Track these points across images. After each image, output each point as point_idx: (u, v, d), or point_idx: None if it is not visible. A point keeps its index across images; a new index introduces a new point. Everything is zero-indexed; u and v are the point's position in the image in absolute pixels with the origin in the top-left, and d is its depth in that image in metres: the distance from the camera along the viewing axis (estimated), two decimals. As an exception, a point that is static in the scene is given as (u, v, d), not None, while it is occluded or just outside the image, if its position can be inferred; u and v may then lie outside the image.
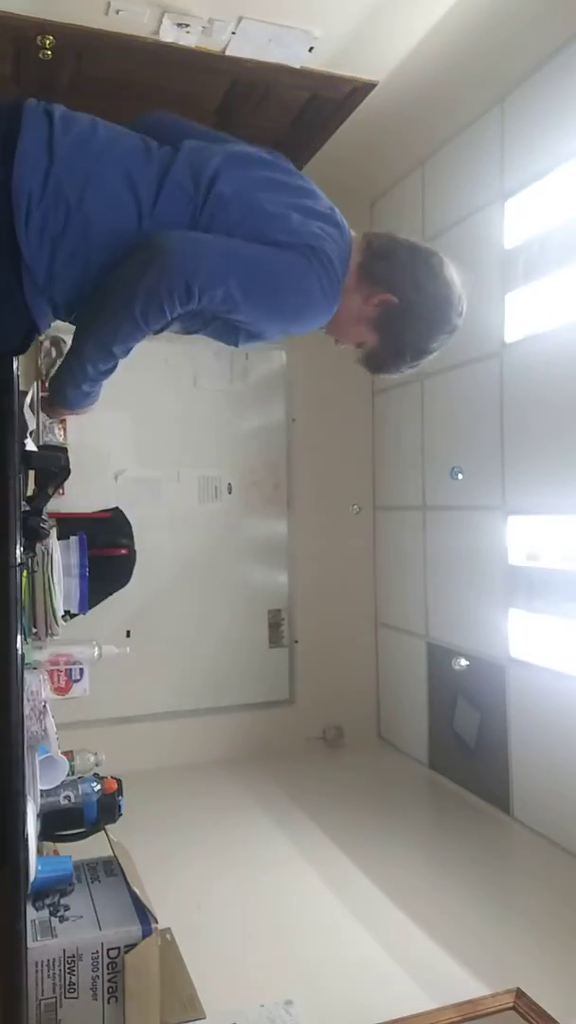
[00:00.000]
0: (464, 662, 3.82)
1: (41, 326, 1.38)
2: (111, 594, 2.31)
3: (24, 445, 1.77)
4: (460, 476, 3.88)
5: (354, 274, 1.40)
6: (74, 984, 1.54)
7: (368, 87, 3.53)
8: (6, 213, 1.24)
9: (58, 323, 1.47)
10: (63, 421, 1.52)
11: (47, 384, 1.48)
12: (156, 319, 1.28)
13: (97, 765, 2.07)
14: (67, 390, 1.41)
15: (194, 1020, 1.66)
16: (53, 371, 1.47)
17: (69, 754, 1.98)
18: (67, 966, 1.54)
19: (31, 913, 1.60)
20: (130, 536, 2.52)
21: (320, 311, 1.39)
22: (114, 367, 1.38)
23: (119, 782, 2.03)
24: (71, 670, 1.85)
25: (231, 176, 1.36)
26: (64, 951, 1.53)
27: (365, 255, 1.41)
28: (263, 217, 1.34)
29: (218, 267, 1.28)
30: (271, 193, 1.38)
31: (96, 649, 1.88)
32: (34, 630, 1.70)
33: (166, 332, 1.41)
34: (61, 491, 2.13)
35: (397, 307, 1.38)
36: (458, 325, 1.42)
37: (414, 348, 1.43)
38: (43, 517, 1.64)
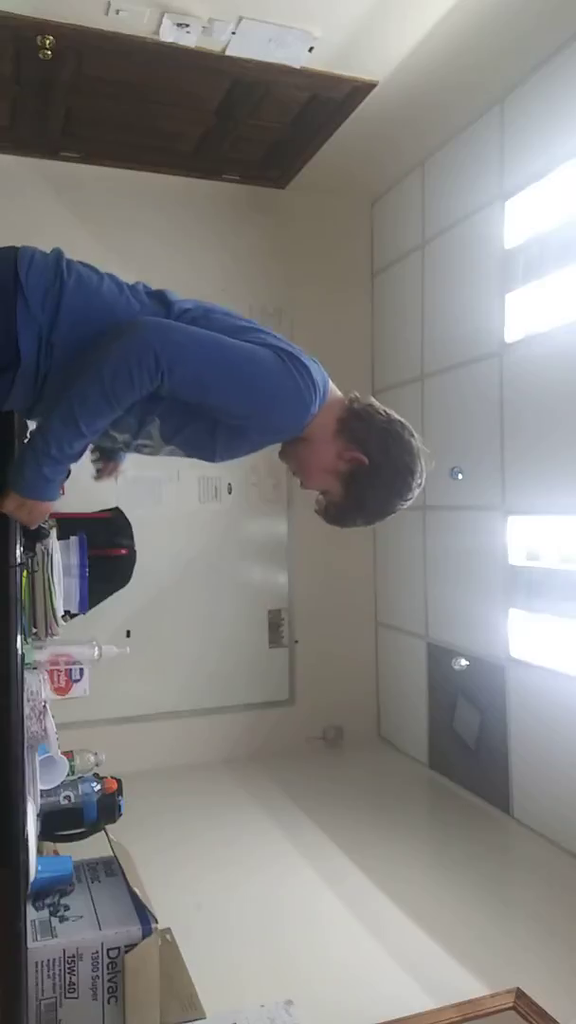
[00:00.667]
0: (464, 662, 3.82)
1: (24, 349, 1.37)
2: (111, 594, 2.31)
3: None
4: (460, 476, 3.87)
5: (333, 427, 1.47)
6: (74, 984, 1.54)
7: (368, 87, 3.53)
8: None
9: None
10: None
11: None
12: (124, 389, 1.28)
13: (97, 765, 2.06)
14: (25, 470, 1.32)
15: (194, 1020, 1.66)
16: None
17: (69, 754, 1.98)
18: (67, 966, 1.54)
19: (31, 913, 1.60)
20: (130, 536, 2.52)
21: (298, 402, 1.41)
22: (79, 452, 1.35)
23: (119, 782, 2.03)
24: (71, 670, 1.85)
25: (199, 304, 1.47)
26: (64, 951, 1.53)
27: (347, 412, 1.49)
28: (236, 325, 1.43)
29: (187, 344, 1.33)
30: (243, 320, 1.48)
31: (96, 649, 1.88)
32: (34, 630, 1.70)
33: (143, 439, 1.45)
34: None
35: (366, 468, 1.46)
36: (415, 495, 1.50)
37: (372, 508, 1.51)
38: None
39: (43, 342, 1.35)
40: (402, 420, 1.51)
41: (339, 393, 1.53)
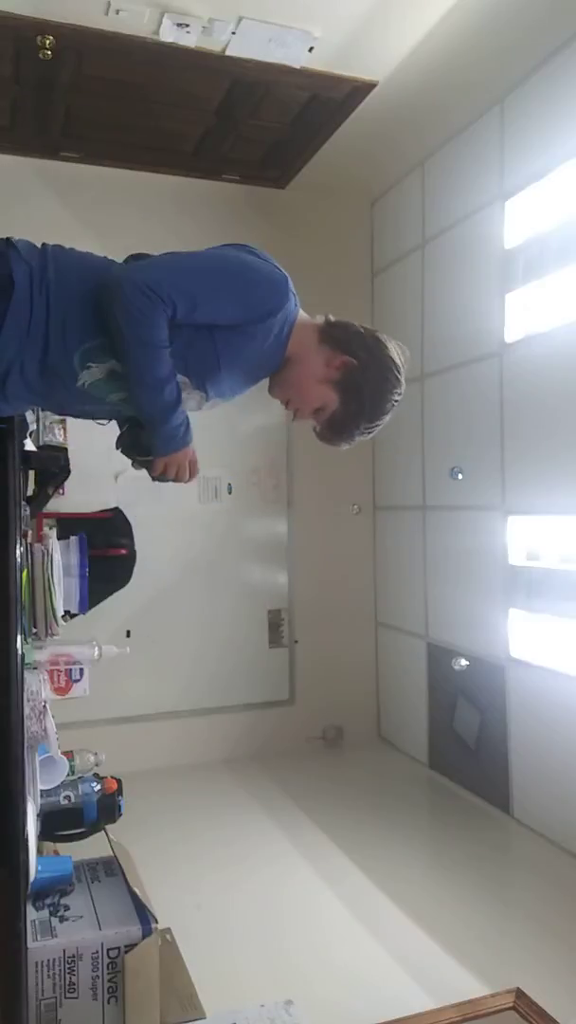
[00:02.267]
0: (464, 662, 3.82)
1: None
2: (111, 594, 2.31)
3: (24, 445, 1.77)
4: (460, 476, 3.88)
5: (316, 338, 1.57)
6: (74, 984, 1.54)
7: (368, 87, 3.53)
8: None
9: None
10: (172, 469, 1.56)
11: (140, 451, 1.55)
12: (148, 331, 1.39)
13: (97, 765, 2.06)
14: (151, 438, 1.50)
15: (194, 1020, 1.65)
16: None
17: (69, 754, 1.98)
18: (67, 966, 1.54)
19: (31, 913, 1.60)
20: (130, 536, 2.53)
21: (274, 277, 1.51)
22: (172, 400, 1.45)
23: (119, 782, 2.03)
24: (71, 670, 1.85)
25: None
26: (64, 951, 1.53)
27: (325, 323, 1.59)
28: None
29: (166, 269, 1.45)
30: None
31: (96, 649, 1.87)
32: (34, 630, 1.70)
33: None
34: (61, 491, 2.13)
35: (356, 367, 1.54)
36: (403, 388, 1.59)
37: (371, 408, 1.58)
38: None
39: (34, 280, 1.42)
40: (375, 328, 1.62)
41: (308, 315, 1.62)
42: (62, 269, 1.45)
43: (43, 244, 1.50)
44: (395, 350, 1.58)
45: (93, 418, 1.63)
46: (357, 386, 1.54)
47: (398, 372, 1.57)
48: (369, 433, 1.61)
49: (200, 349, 1.47)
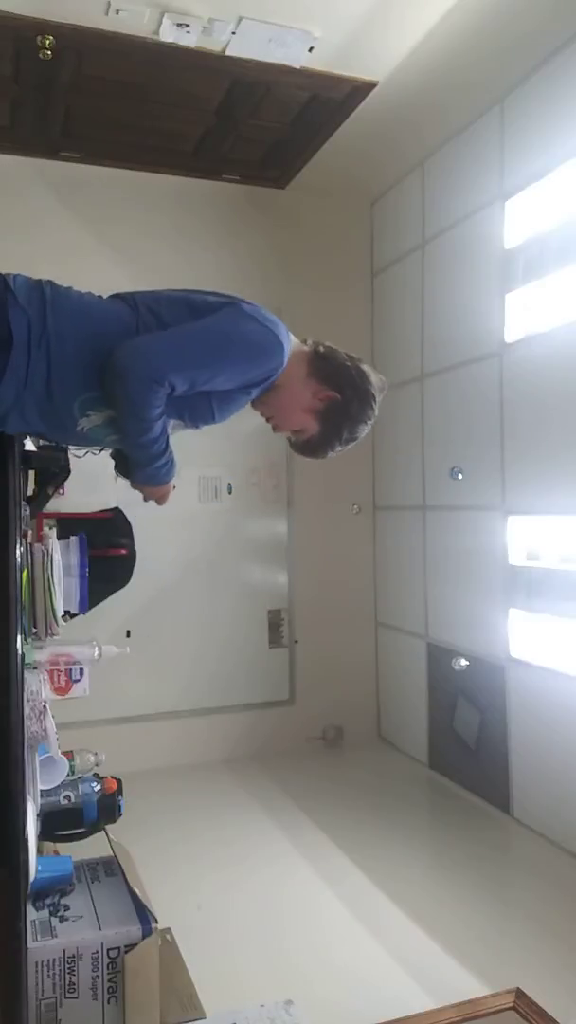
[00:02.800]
0: (464, 662, 3.82)
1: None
2: (111, 594, 2.31)
3: (24, 445, 1.77)
4: (460, 476, 3.88)
5: (305, 371, 1.63)
6: (74, 984, 1.54)
7: (368, 87, 3.53)
8: None
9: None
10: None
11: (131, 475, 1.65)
12: (147, 409, 1.45)
13: (97, 765, 2.06)
14: (134, 474, 1.61)
15: (194, 1020, 1.65)
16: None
17: (69, 754, 1.98)
18: (67, 966, 1.54)
19: (31, 913, 1.60)
20: (130, 536, 2.53)
21: (271, 340, 1.54)
22: (157, 451, 1.54)
23: (119, 782, 2.03)
24: (71, 670, 1.85)
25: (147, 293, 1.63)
26: (64, 951, 1.53)
27: (314, 356, 1.65)
28: (183, 298, 1.59)
29: (168, 350, 1.48)
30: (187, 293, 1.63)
31: (96, 649, 1.87)
32: (34, 630, 1.70)
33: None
34: (61, 491, 2.13)
35: (339, 402, 1.64)
36: (377, 413, 1.69)
37: (348, 433, 1.68)
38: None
39: (33, 332, 1.44)
40: (358, 356, 1.70)
41: (298, 342, 1.69)
42: (61, 319, 1.47)
43: (40, 284, 1.51)
44: (376, 381, 1.68)
45: (90, 447, 1.71)
46: (339, 418, 1.65)
47: (375, 402, 1.68)
48: (340, 451, 1.73)
49: (198, 406, 1.58)
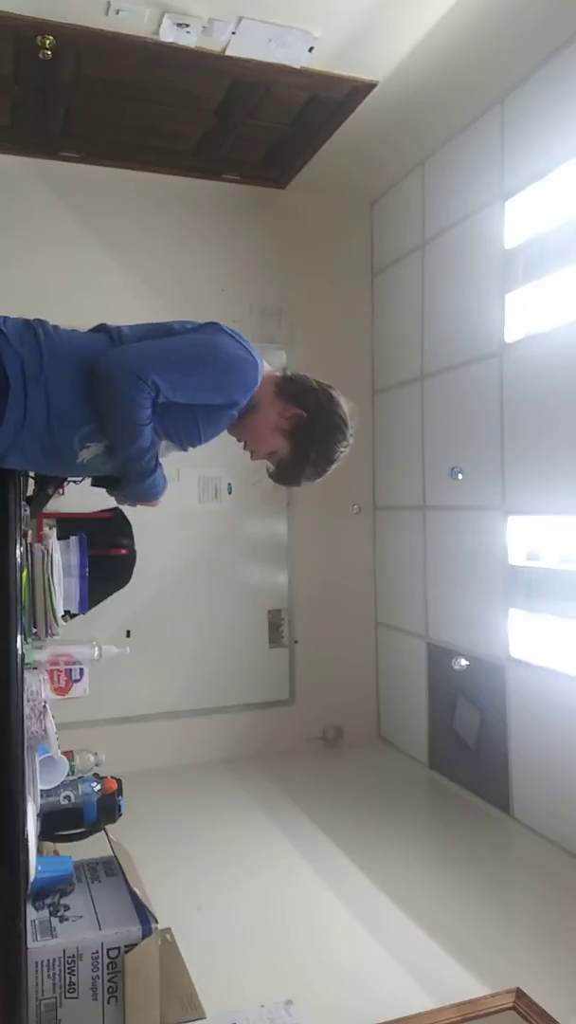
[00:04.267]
0: (464, 662, 3.82)
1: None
2: (111, 594, 2.30)
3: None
4: (460, 476, 3.88)
5: (272, 390, 1.70)
6: (74, 984, 1.54)
7: (368, 87, 3.53)
8: None
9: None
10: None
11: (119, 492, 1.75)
12: (134, 412, 1.51)
13: (97, 765, 2.07)
14: (125, 490, 1.71)
15: (194, 1020, 1.66)
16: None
17: (69, 754, 1.98)
18: (67, 966, 1.54)
19: (31, 913, 1.60)
20: (130, 536, 2.52)
21: (246, 358, 1.62)
22: (145, 467, 1.60)
23: (119, 782, 2.03)
24: (71, 670, 1.85)
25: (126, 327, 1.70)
26: (64, 951, 1.54)
27: (282, 378, 1.72)
28: (162, 325, 1.67)
29: (151, 356, 1.55)
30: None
31: (96, 649, 1.88)
32: (34, 630, 1.70)
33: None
34: (61, 491, 2.13)
35: (305, 421, 1.69)
36: (351, 443, 1.74)
37: (317, 457, 1.72)
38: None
39: (28, 374, 1.51)
40: (330, 384, 1.77)
41: (271, 368, 1.76)
42: (57, 359, 1.54)
43: (31, 325, 1.57)
44: (345, 406, 1.73)
45: (89, 476, 1.78)
46: (306, 437, 1.70)
47: (345, 426, 1.72)
48: (318, 478, 1.77)
49: (185, 423, 1.63)
